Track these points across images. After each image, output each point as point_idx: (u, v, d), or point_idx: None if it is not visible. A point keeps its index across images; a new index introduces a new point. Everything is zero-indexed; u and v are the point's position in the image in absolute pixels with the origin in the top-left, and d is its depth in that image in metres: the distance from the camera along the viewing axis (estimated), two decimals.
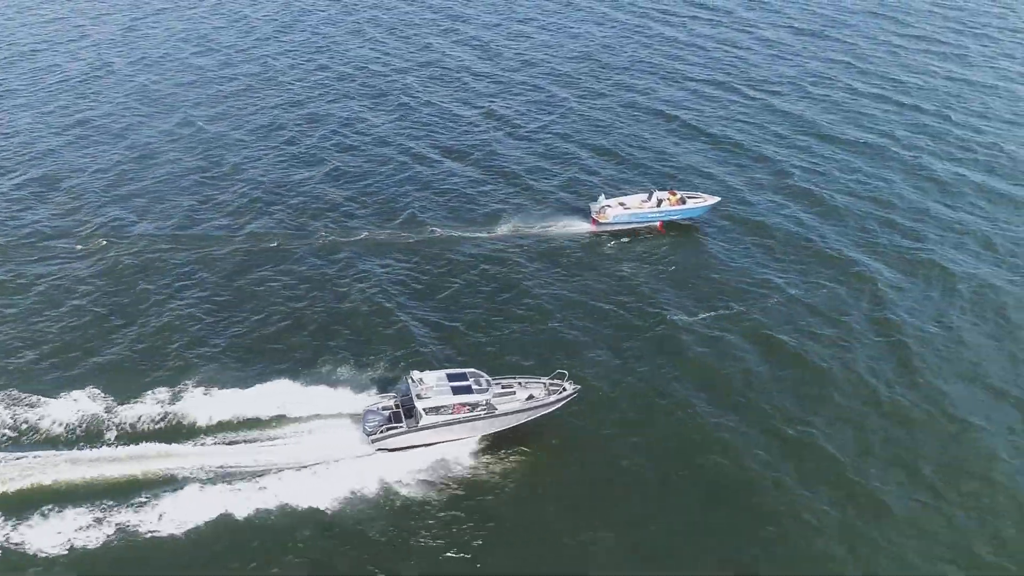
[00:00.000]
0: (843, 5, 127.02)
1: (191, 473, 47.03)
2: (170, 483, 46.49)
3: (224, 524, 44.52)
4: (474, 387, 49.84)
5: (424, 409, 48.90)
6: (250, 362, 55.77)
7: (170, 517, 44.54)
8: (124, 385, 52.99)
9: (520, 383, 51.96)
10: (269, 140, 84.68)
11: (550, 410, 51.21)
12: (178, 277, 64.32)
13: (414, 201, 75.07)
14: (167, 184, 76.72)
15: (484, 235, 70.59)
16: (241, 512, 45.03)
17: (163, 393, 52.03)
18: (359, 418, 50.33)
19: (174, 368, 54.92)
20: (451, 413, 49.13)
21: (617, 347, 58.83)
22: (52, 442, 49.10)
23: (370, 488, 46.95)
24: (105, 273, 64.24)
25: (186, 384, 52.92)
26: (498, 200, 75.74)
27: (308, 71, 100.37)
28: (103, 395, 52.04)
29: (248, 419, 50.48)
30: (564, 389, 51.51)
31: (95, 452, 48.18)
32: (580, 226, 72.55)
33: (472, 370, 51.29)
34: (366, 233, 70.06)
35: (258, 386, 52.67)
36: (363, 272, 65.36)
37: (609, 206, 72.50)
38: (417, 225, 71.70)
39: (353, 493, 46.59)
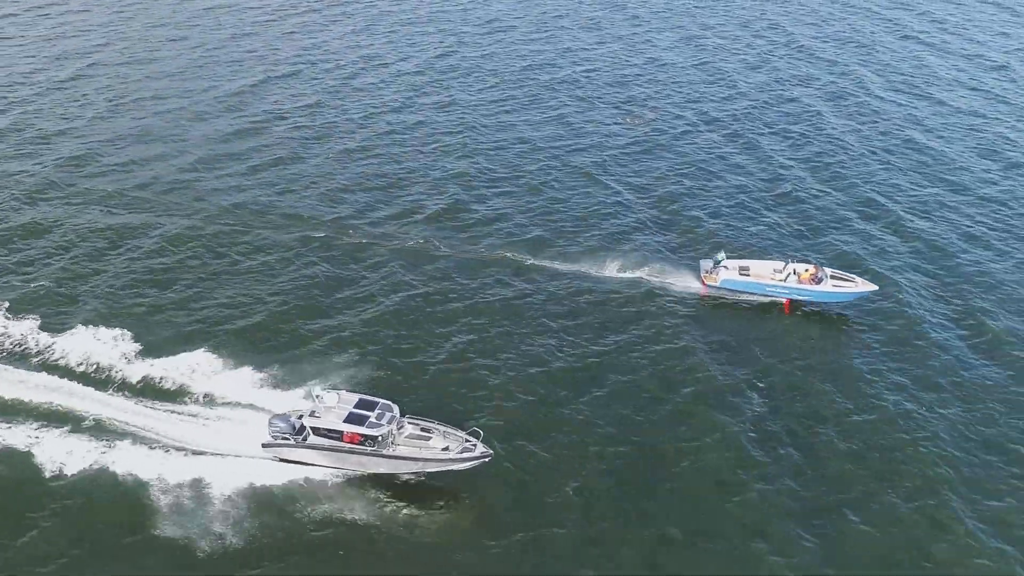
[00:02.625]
0: None
1: (97, 420, 48.31)
2: (74, 422, 48.29)
3: (98, 479, 45.45)
4: (373, 420, 45.43)
5: (311, 428, 45.84)
6: (226, 339, 55.36)
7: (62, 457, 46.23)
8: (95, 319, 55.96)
9: (443, 432, 46.36)
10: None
11: (452, 467, 45.00)
12: (217, 250, 64.82)
13: (512, 219, 69.65)
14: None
15: (567, 268, 63.37)
16: (128, 473, 45.54)
17: (125, 343, 53.92)
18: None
19: (138, 316, 56.70)
20: (340, 439, 45.45)
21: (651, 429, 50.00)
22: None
23: (242, 491, 44.91)
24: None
25: (147, 339, 54.54)
26: (608, 232, 67.90)
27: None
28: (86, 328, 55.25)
29: (183, 389, 50.73)
30: (474, 448, 44.97)
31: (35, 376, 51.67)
32: (690, 284, 62.15)
33: (385, 402, 46.70)
34: (440, 245, 65.96)
35: (211, 360, 52.86)
36: (401, 281, 61.67)
37: (725, 267, 61.08)
38: (498, 243, 66.41)
39: (224, 489, 44.88)
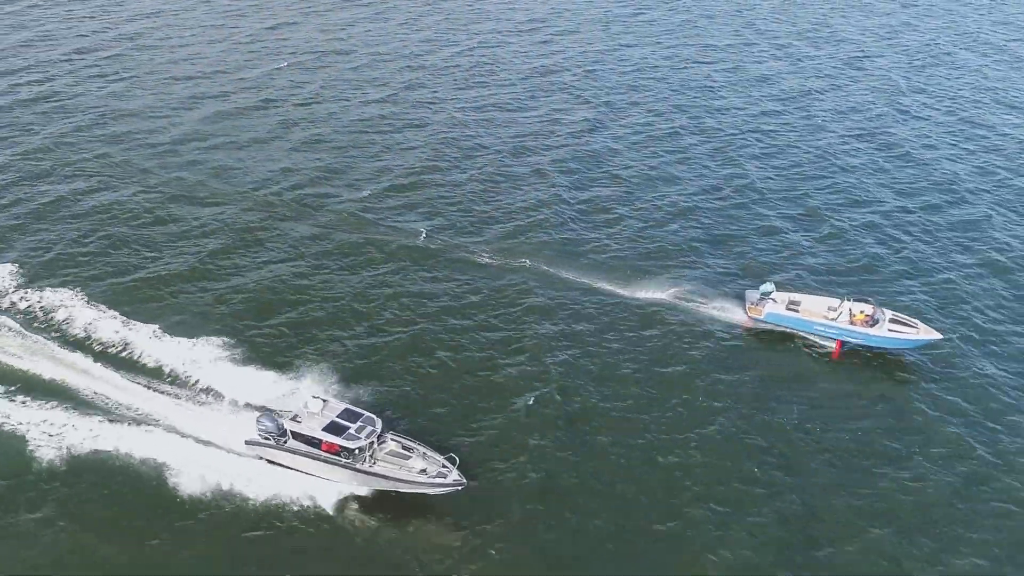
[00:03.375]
0: None
1: (92, 397, 48.25)
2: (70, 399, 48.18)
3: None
4: (352, 432, 43.66)
5: (291, 432, 44.45)
6: (235, 332, 53.96)
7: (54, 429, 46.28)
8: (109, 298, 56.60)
9: (423, 453, 43.99)
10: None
11: (426, 491, 42.72)
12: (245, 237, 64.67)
13: (554, 229, 65.99)
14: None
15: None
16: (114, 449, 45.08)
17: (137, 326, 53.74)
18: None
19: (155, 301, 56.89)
20: (318, 447, 44.13)
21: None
22: None
23: (214, 487, 43.60)
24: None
25: (161, 321, 54.25)
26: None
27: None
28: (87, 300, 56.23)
29: (182, 376, 50.06)
30: (447, 475, 42.75)
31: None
32: (734, 314, 57.58)
33: (369, 415, 44.30)
34: (480, 253, 62.69)
35: (213, 349, 51.97)
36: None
37: (772, 300, 56.16)
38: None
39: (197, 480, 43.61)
